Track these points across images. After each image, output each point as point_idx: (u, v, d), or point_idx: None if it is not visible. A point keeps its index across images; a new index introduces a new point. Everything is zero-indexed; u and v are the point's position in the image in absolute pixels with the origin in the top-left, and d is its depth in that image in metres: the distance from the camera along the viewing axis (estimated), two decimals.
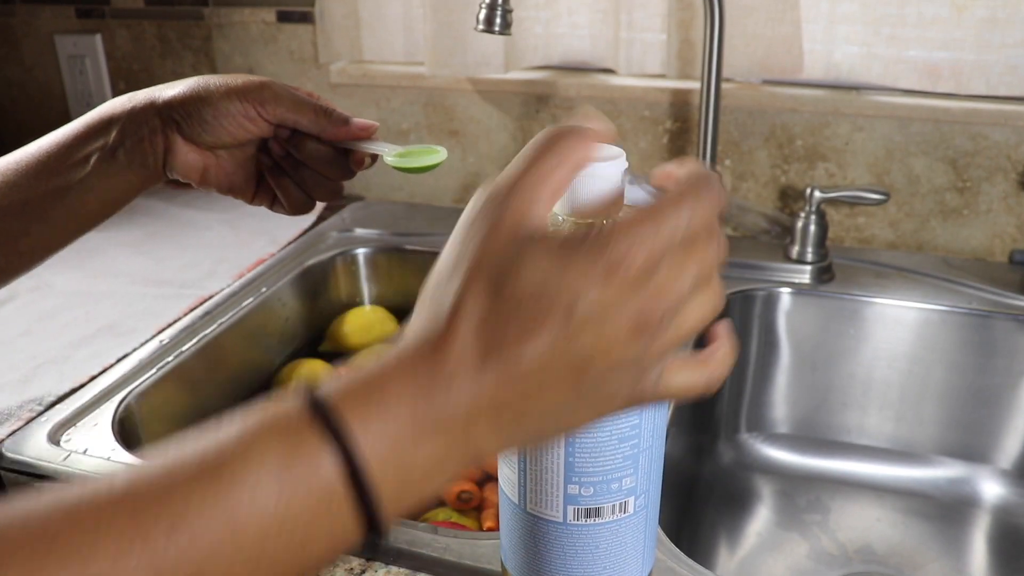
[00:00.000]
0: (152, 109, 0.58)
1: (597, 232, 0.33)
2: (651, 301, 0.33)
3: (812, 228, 0.96)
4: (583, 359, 0.33)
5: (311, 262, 1.07)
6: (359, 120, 0.60)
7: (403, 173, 0.60)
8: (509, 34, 0.83)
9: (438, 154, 0.59)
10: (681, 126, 1.09)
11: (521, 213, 0.34)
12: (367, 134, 0.60)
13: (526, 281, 0.33)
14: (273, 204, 0.64)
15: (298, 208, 0.63)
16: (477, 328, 0.33)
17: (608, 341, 0.33)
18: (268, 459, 0.30)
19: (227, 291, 0.98)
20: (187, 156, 0.59)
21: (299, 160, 0.61)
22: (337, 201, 0.67)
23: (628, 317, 0.33)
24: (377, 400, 0.33)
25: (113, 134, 0.58)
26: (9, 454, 0.72)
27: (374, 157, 0.61)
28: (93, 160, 0.57)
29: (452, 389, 0.33)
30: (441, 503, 0.81)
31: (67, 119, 0.61)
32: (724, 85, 1.03)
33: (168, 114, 0.58)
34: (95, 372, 0.83)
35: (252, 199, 0.64)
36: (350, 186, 1.29)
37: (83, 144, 0.58)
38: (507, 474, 0.46)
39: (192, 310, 0.94)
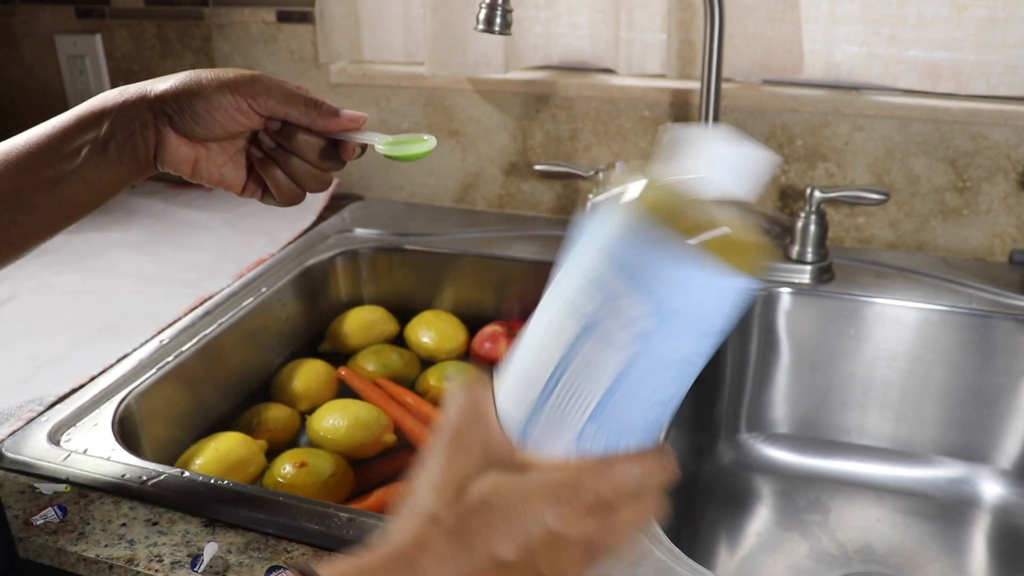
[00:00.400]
0: (144, 103, 0.58)
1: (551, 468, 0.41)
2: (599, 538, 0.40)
3: (812, 228, 0.96)
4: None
5: (311, 262, 1.07)
6: (349, 111, 0.61)
7: (400, 166, 0.61)
8: (509, 34, 0.83)
9: (427, 142, 0.61)
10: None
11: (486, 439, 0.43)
12: (357, 125, 0.61)
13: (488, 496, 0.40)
14: (264, 196, 0.65)
15: (289, 199, 0.64)
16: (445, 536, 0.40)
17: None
18: None
19: (227, 291, 0.98)
20: (178, 149, 0.60)
21: (290, 151, 0.61)
22: (326, 191, 0.68)
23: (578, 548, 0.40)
24: None
25: (104, 127, 0.58)
26: (9, 454, 0.72)
27: (364, 147, 0.62)
28: (84, 152, 0.57)
29: None
30: None
31: None
32: (724, 85, 1.03)
33: (160, 108, 0.58)
34: (95, 372, 0.83)
35: (242, 191, 0.64)
36: (350, 186, 1.29)
37: (74, 136, 0.58)
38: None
39: (192, 310, 0.94)
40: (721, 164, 0.38)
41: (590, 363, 0.39)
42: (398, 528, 0.42)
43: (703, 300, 0.39)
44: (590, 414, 0.40)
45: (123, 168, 0.59)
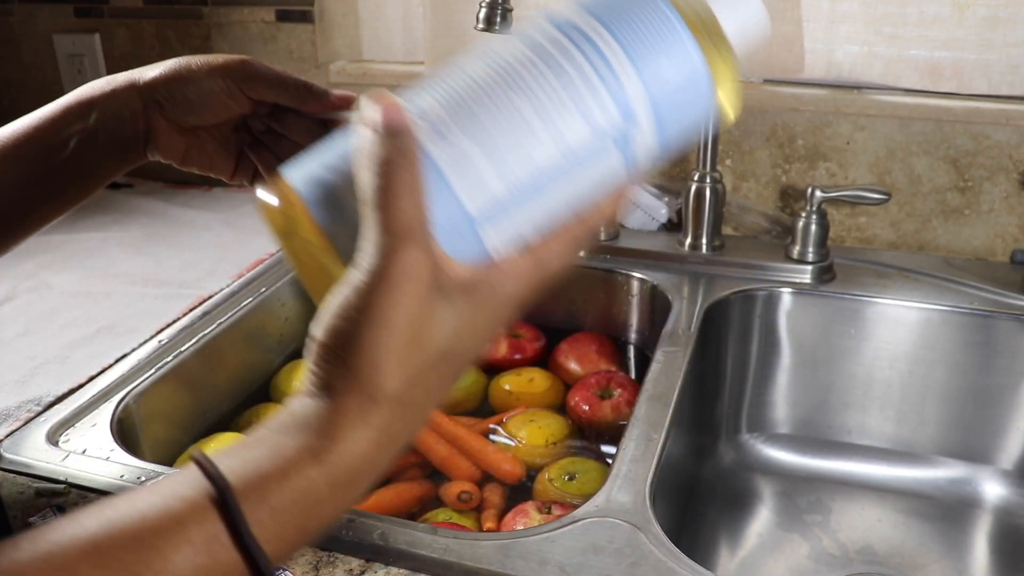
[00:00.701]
0: (133, 91, 0.58)
1: (498, 283, 0.38)
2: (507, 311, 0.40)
3: (813, 228, 0.96)
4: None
5: None
6: (338, 92, 0.60)
7: None
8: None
9: None
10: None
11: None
12: (347, 104, 0.60)
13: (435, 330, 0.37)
14: (254, 180, 0.64)
15: None
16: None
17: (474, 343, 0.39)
18: (183, 548, 0.33)
19: (226, 291, 0.98)
20: (169, 137, 0.59)
21: (280, 134, 0.61)
22: None
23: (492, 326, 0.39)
24: (277, 491, 0.35)
25: (93, 117, 0.57)
26: (8, 455, 0.71)
27: None
28: (73, 143, 0.57)
29: (348, 450, 0.36)
30: (441, 504, 0.81)
31: None
32: None
33: (150, 95, 0.57)
34: (94, 372, 0.83)
35: (232, 176, 0.64)
36: None
37: (62, 127, 0.57)
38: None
39: (191, 310, 0.94)
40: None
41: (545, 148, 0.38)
42: (346, 432, 0.37)
43: (670, 79, 0.38)
44: (544, 222, 0.39)
45: (113, 157, 0.59)
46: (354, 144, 0.39)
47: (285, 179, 0.40)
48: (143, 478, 0.68)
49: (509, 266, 0.39)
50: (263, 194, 0.41)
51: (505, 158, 0.37)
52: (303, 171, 0.40)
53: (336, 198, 0.39)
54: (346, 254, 0.38)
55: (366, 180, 0.36)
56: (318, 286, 0.40)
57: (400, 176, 0.36)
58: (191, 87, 0.57)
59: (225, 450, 0.37)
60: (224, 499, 0.34)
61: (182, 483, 0.35)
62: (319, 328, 0.38)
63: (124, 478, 0.68)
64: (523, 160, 0.38)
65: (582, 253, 0.39)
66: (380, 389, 0.36)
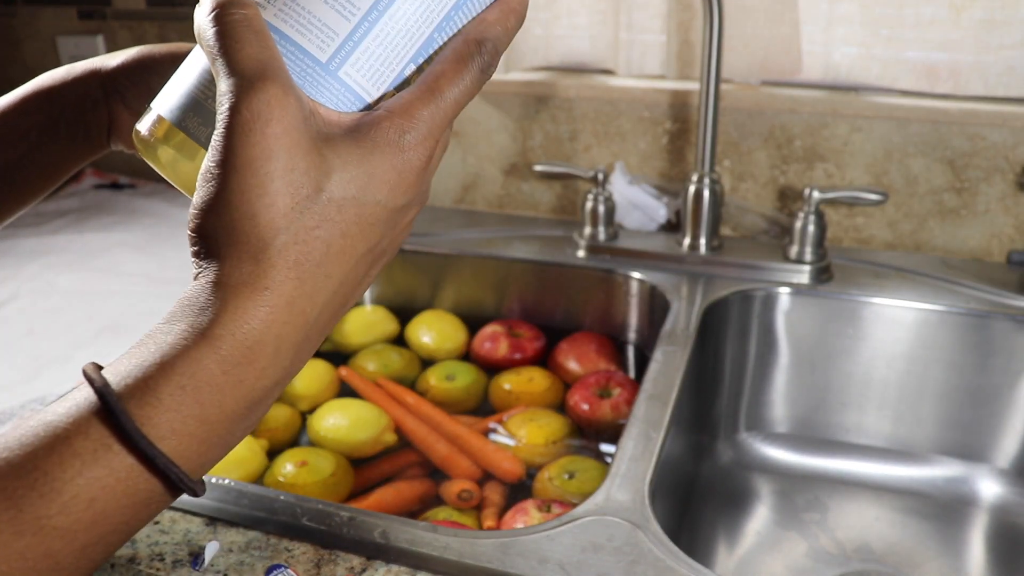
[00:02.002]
0: (95, 79, 0.56)
1: (389, 125, 0.35)
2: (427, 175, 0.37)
3: (811, 228, 0.97)
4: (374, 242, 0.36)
5: None
6: None
7: None
8: None
9: None
10: (680, 127, 1.10)
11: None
12: None
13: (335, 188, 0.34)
14: None
15: None
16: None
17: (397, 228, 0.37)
18: (71, 463, 0.31)
19: None
20: (131, 126, 0.57)
21: None
22: None
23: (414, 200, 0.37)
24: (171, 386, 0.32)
25: (53, 107, 0.55)
26: None
27: None
28: (33, 135, 0.55)
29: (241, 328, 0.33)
30: (441, 502, 0.81)
31: None
32: (723, 86, 1.04)
33: (112, 84, 0.56)
34: None
35: None
36: None
37: (21, 118, 0.55)
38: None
39: None
40: None
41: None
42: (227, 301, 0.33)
43: None
44: (416, 51, 0.37)
45: (75, 148, 0.57)
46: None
47: (150, 105, 0.39)
48: None
49: (399, 106, 0.36)
50: (136, 134, 0.39)
51: None
52: (164, 92, 0.39)
53: (194, 99, 0.37)
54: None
55: (206, 36, 0.34)
56: None
57: (234, 17, 0.34)
58: (154, 76, 0.55)
59: (117, 357, 0.34)
60: (104, 400, 0.31)
61: (67, 400, 0.33)
62: (190, 209, 0.34)
63: None
64: None
65: (488, 77, 0.38)
66: (261, 241, 0.33)
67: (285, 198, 0.33)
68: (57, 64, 1.39)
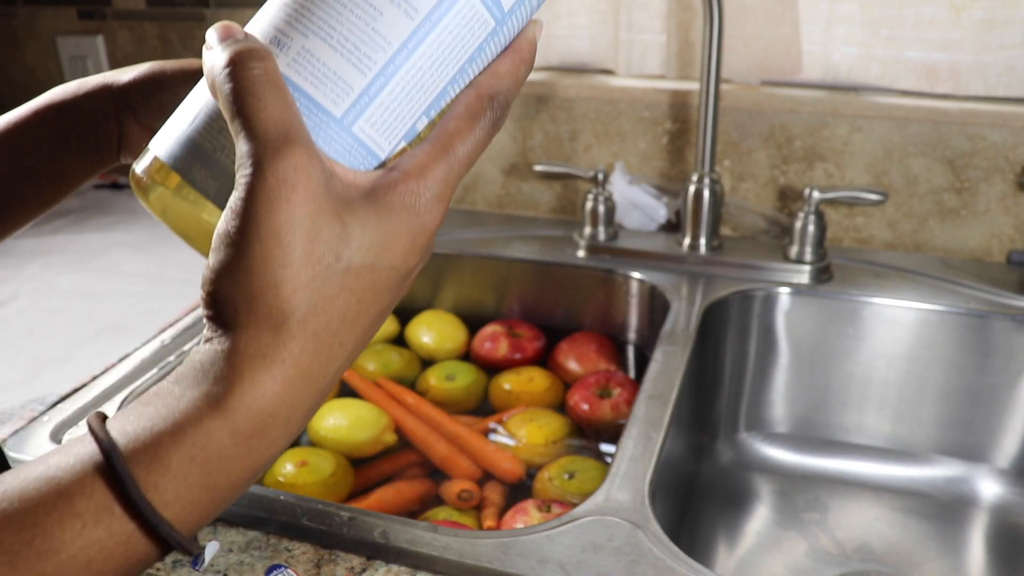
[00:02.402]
0: (107, 94, 0.56)
1: (405, 190, 0.35)
2: (430, 235, 0.37)
3: (811, 228, 0.97)
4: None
5: None
6: None
7: None
8: None
9: None
10: (680, 127, 1.10)
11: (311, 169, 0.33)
12: None
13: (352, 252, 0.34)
14: None
15: None
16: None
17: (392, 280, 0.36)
18: (71, 523, 0.30)
19: None
20: (142, 140, 0.58)
21: None
22: None
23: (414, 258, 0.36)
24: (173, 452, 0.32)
25: (64, 121, 0.56)
26: (11, 453, 0.72)
27: None
28: (44, 148, 0.56)
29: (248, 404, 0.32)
30: (441, 502, 0.81)
31: None
32: (723, 86, 1.04)
33: (124, 99, 0.56)
34: (97, 372, 0.83)
35: None
36: None
37: (32, 131, 0.56)
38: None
39: (194, 309, 0.95)
40: None
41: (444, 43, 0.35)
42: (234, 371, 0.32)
43: None
44: (429, 104, 0.36)
45: (85, 161, 0.57)
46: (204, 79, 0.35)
47: (148, 146, 0.38)
48: None
49: (414, 167, 0.35)
50: (132, 174, 0.39)
51: (354, 44, 0.34)
52: (164, 133, 0.38)
53: (199, 148, 0.36)
54: (221, 201, 0.36)
55: (222, 89, 0.33)
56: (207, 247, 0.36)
57: (253, 72, 0.32)
58: (165, 92, 0.56)
59: (122, 411, 0.33)
60: (111, 462, 0.30)
61: (70, 452, 0.32)
62: (204, 271, 0.33)
63: None
64: (373, 40, 0.34)
65: (499, 131, 0.38)
66: (282, 313, 0.32)
67: (307, 268, 0.32)
68: (57, 64, 1.39)
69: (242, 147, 0.32)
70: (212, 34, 0.35)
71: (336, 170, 0.34)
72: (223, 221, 0.32)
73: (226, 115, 0.33)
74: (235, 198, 0.32)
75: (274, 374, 0.32)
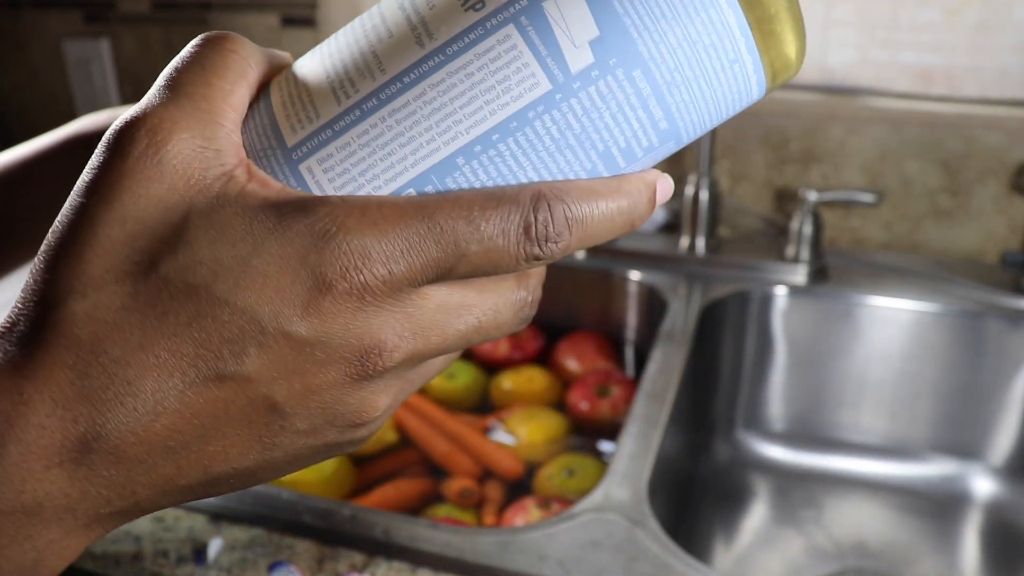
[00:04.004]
0: None
1: (328, 214, 0.23)
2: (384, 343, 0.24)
3: (807, 229, 0.97)
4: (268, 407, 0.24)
5: None
6: None
7: None
8: None
9: None
10: None
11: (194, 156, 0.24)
12: None
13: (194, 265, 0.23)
14: None
15: None
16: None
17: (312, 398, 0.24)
18: None
19: None
20: None
21: None
22: None
23: (345, 373, 0.24)
24: None
25: (92, 151, 0.54)
26: None
27: None
28: (72, 178, 0.54)
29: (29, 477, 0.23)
30: (442, 500, 0.82)
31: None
32: None
33: None
34: None
35: None
36: None
37: (60, 160, 0.55)
38: None
39: None
40: None
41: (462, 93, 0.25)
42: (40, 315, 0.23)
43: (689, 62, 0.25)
44: (418, 172, 0.25)
45: None
46: None
47: None
48: None
49: (356, 201, 0.24)
50: None
51: (344, 66, 0.26)
52: None
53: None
54: None
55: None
56: None
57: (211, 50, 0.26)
58: None
59: None
60: None
61: None
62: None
63: None
64: (366, 63, 0.26)
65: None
66: (51, 296, 0.23)
67: (106, 253, 0.23)
68: (62, 67, 1.40)
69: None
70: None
71: (252, 173, 0.25)
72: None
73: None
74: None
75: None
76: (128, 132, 0.24)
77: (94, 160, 0.24)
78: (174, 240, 0.23)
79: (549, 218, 0.24)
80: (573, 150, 0.25)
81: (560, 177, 0.26)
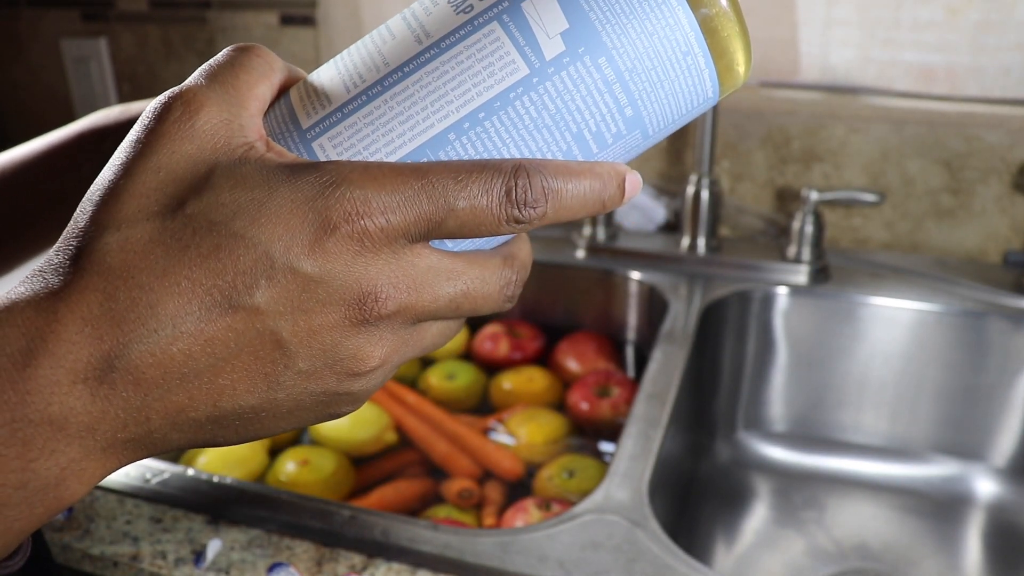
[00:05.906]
0: None
1: (334, 168, 0.27)
2: (385, 292, 0.27)
3: (808, 229, 0.97)
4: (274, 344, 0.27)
5: None
6: None
7: None
8: None
9: None
10: (679, 128, 1.10)
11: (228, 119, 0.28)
12: None
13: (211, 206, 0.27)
14: None
15: None
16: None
17: (312, 333, 0.27)
18: None
19: None
20: None
21: None
22: None
23: (346, 313, 0.27)
24: None
25: (107, 144, 0.55)
26: None
27: None
28: (85, 169, 0.55)
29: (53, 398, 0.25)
30: (442, 501, 0.82)
31: (72, 121, 0.61)
32: None
33: None
34: None
35: None
36: None
37: (74, 153, 0.55)
38: None
39: None
40: None
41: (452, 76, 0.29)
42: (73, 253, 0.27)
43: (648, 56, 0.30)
44: (416, 145, 0.30)
45: None
46: None
47: None
48: (148, 475, 0.70)
49: (356, 165, 0.28)
50: None
51: (355, 65, 0.31)
52: None
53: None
54: None
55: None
56: None
57: (240, 55, 0.31)
58: None
59: None
60: None
61: None
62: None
63: (130, 475, 0.70)
64: (373, 61, 0.31)
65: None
66: (87, 232, 0.27)
67: (136, 197, 0.27)
68: (60, 66, 1.39)
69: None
70: None
71: (271, 145, 0.29)
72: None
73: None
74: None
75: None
76: (167, 103, 0.28)
77: (137, 126, 0.28)
78: (200, 186, 0.27)
79: (528, 185, 0.28)
80: (549, 129, 0.30)
81: (539, 156, 0.30)
